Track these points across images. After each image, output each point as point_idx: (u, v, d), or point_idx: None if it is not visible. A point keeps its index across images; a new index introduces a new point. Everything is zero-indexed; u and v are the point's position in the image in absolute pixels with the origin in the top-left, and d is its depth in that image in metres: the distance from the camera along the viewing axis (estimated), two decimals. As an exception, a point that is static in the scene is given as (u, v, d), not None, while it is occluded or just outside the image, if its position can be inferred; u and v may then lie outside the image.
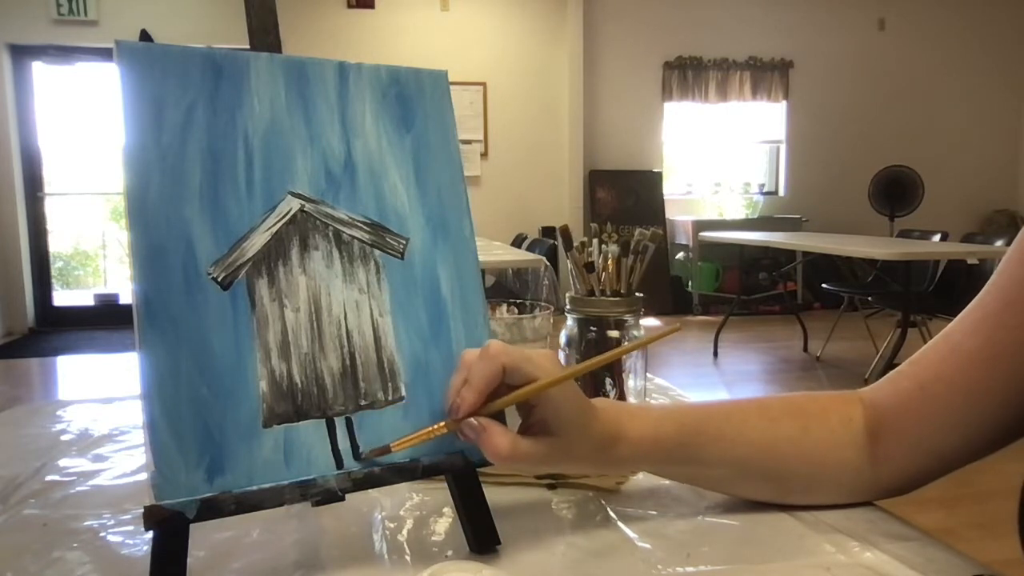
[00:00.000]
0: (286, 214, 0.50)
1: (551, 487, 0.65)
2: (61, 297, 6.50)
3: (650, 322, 5.88)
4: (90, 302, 6.40)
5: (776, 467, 0.57)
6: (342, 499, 0.48)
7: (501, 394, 0.48)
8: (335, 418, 0.49)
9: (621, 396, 0.78)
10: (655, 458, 0.56)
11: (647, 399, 0.86)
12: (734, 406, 0.59)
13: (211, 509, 0.44)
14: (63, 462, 0.73)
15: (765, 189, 7.11)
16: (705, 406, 0.59)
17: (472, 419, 0.48)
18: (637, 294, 0.79)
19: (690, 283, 6.56)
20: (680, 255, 6.68)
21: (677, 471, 0.59)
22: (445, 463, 0.52)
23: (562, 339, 0.78)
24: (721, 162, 7.07)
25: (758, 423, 0.58)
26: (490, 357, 0.48)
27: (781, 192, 7.08)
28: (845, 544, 0.53)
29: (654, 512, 0.59)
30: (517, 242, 5.27)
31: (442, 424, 0.50)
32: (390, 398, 0.51)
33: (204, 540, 0.54)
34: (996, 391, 0.51)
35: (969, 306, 0.54)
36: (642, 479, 0.67)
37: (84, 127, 6.22)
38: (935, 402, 0.53)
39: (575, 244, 0.79)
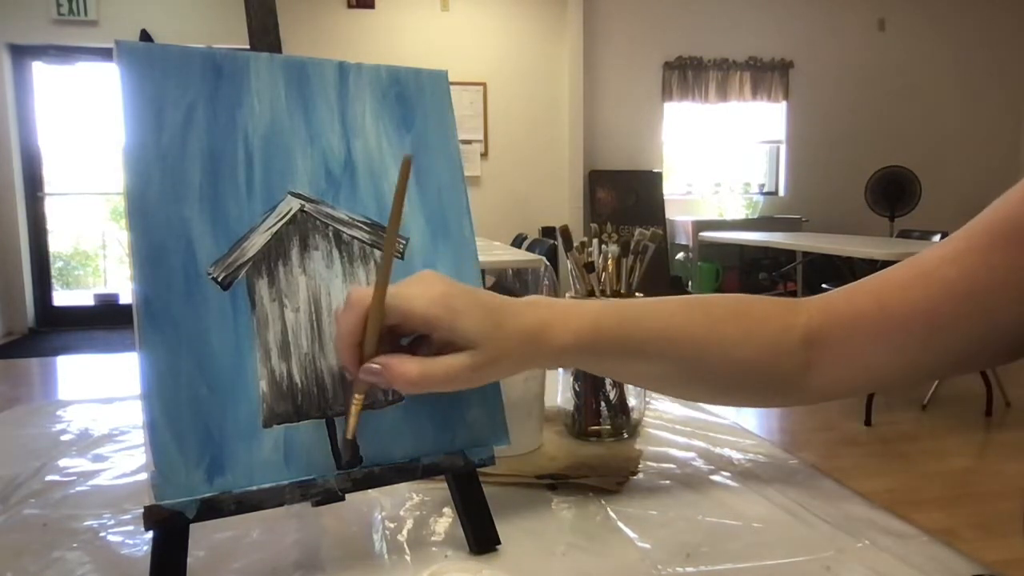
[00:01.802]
0: (286, 214, 0.50)
1: (551, 487, 0.64)
2: (61, 297, 6.49)
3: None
4: (90, 302, 6.39)
5: (714, 368, 0.56)
6: (342, 499, 0.48)
7: (395, 338, 0.47)
8: (335, 418, 0.49)
9: (622, 396, 0.78)
10: (596, 349, 0.53)
11: (647, 399, 0.86)
12: (678, 304, 0.57)
13: (211, 509, 0.44)
14: (63, 462, 0.73)
15: (765, 189, 7.11)
16: (648, 302, 0.57)
17: (368, 364, 0.46)
18: (637, 294, 0.79)
19: (690, 283, 6.56)
20: (680, 255, 6.69)
21: (618, 367, 0.57)
22: (445, 463, 0.52)
23: (562, 339, 0.78)
24: (721, 162, 7.06)
25: (702, 322, 0.55)
26: (350, 306, 0.46)
27: (781, 192, 7.07)
28: (845, 543, 0.53)
29: (654, 512, 0.59)
30: (517, 242, 5.27)
31: (357, 395, 0.47)
32: (390, 398, 0.51)
33: (204, 540, 0.54)
34: (964, 325, 0.49)
35: (948, 238, 0.52)
36: (642, 479, 0.67)
37: (84, 127, 6.21)
38: (892, 323, 0.51)
39: (575, 244, 0.79)
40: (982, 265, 0.49)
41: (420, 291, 0.47)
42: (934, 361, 0.52)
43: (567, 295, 0.78)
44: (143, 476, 0.69)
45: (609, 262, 0.78)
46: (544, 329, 0.50)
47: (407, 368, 0.46)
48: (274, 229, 0.49)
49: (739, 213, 6.94)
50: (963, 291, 0.49)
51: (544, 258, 3.50)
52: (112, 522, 0.59)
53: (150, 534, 0.43)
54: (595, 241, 0.79)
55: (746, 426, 0.82)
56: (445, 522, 0.58)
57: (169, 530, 0.44)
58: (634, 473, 0.67)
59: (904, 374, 0.53)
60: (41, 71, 5.97)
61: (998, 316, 0.48)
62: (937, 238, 4.48)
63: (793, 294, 6.41)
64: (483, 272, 0.74)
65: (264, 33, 0.53)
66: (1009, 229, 0.48)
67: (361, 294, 0.46)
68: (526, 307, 0.51)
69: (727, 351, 0.55)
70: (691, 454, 0.73)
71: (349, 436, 0.47)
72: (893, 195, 6.09)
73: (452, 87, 0.58)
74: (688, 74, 6.68)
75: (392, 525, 0.57)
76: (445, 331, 0.47)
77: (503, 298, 0.50)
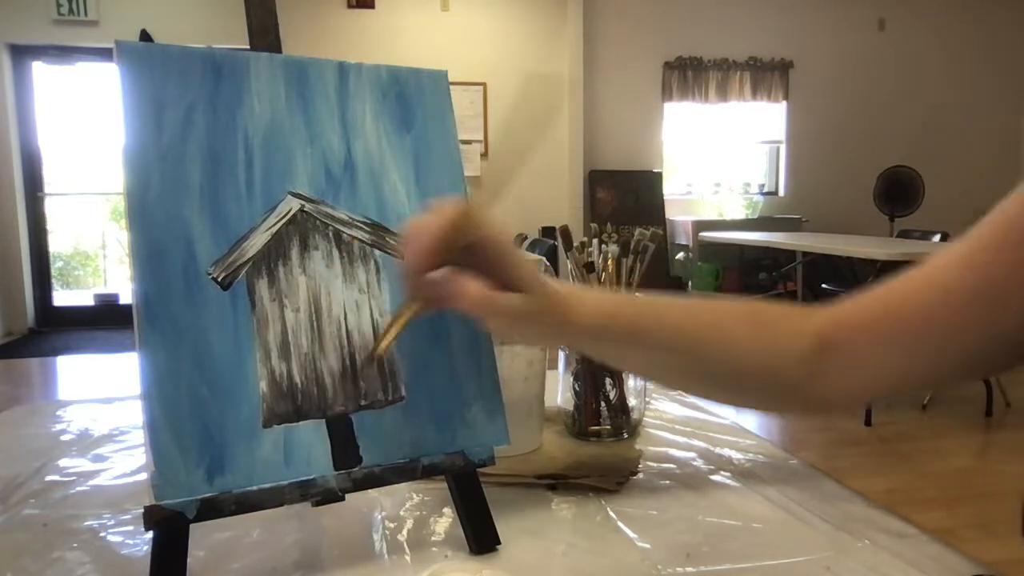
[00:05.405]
0: (286, 214, 0.50)
1: (551, 487, 0.64)
2: (61, 297, 6.49)
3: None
4: (90, 302, 6.39)
5: (724, 366, 0.56)
6: (342, 499, 0.48)
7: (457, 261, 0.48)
8: (336, 418, 0.49)
9: (622, 396, 0.78)
10: (612, 334, 0.54)
11: (647, 399, 0.86)
12: (693, 302, 0.58)
13: (211, 509, 0.44)
14: (63, 462, 0.73)
15: (765, 189, 7.11)
16: (665, 298, 0.58)
17: (442, 270, 0.46)
18: (637, 293, 0.79)
19: (690, 283, 6.56)
20: (680, 255, 6.68)
21: (632, 355, 0.57)
22: (445, 463, 0.52)
23: (562, 339, 0.78)
24: (721, 162, 7.06)
25: (711, 324, 0.56)
26: (441, 212, 0.46)
27: (781, 192, 7.07)
28: (845, 543, 0.53)
29: (654, 512, 0.59)
30: (517, 242, 5.26)
31: (409, 307, 0.47)
32: (390, 398, 0.51)
33: (204, 540, 0.54)
34: (971, 327, 0.49)
35: (956, 241, 0.51)
36: (642, 479, 0.67)
37: (84, 127, 6.21)
38: (899, 327, 0.52)
39: (575, 244, 0.79)
40: (992, 264, 0.49)
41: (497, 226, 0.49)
42: (944, 365, 0.52)
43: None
44: (143, 476, 0.69)
45: (609, 262, 0.78)
46: (568, 304, 0.52)
47: (473, 286, 0.46)
48: (274, 229, 0.49)
49: (739, 213, 6.94)
50: (968, 294, 0.49)
51: (544, 258, 3.50)
52: (112, 522, 0.59)
53: (150, 534, 0.43)
54: (595, 241, 0.79)
55: (746, 426, 0.82)
56: (445, 522, 0.58)
57: (169, 530, 0.44)
58: (634, 473, 0.67)
59: (913, 379, 0.53)
60: (41, 71, 5.97)
61: (1005, 319, 0.48)
62: (937, 238, 4.48)
63: (793, 294, 6.41)
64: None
65: (264, 33, 0.53)
66: (1016, 233, 0.48)
67: (460, 204, 0.46)
68: (555, 282, 0.52)
69: (736, 350, 0.56)
70: (691, 454, 0.73)
71: (382, 351, 0.47)
72: (896, 195, 6.10)
73: (452, 87, 0.58)
74: (688, 74, 6.68)
75: (392, 525, 0.57)
76: (513, 266, 0.48)
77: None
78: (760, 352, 0.56)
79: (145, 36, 0.50)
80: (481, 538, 0.53)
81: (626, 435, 0.78)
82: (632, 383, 0.78)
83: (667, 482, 0.66)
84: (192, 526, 0.44)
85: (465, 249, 0.47)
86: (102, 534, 0.57)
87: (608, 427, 0.77)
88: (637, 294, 0.57)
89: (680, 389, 0.61)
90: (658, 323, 0.55)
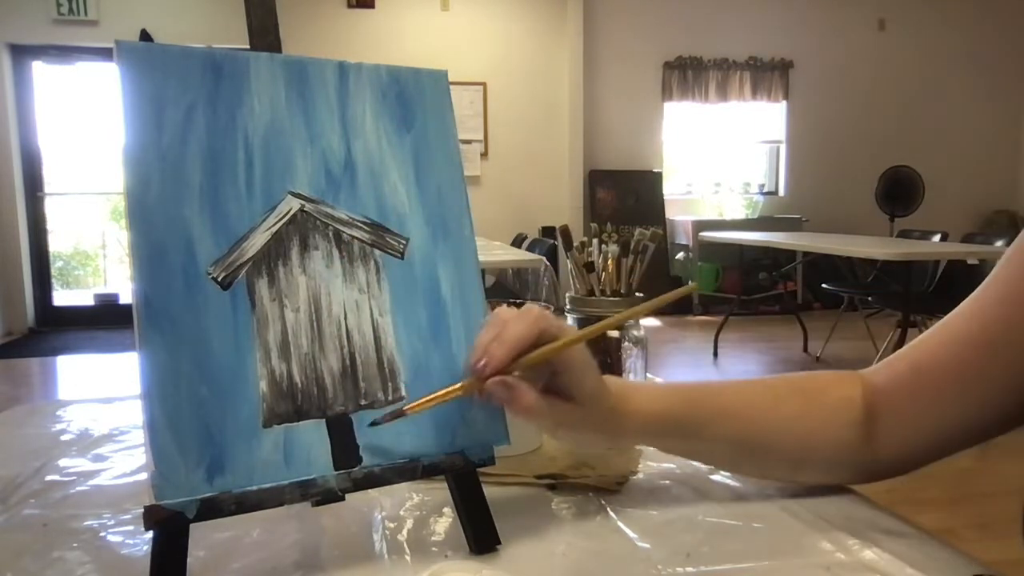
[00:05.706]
0: (286, 214, 0.50)
1: (551, 487, 0.64)
2: (61, 297, 6.50)
3: (649, 322, 5.88)
4: (90, 302, 6.40)
5: (776, 446, 0.58)
6: (342, 499, 0.48)
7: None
8: (335, 418, 0.49)
9: (621, 396, 0.77)
10: (662, 431, 0.57)
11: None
12: (739, 385, 0.60)
13: (211, 509, 0.44)
14: (63, 462, 0.73)
15: (765, 189, 7.11)
16: (711, 384, 0.60)
17: (506, 377, 0.48)
18: (637, 294, 0.79)
19: (690, 283, 6.56)
20: (680, 255, 6.69)
21: (681, 445, 0.60)
22: (445, 463, 0.52)
23: (562, 339, 0.78)
24: (721, 162, 7.07)
25: (761, 403, 0.58)
26: (531, 320, 0.48)
27: (781, 192, 7.08)
28: (845, 543, 0.53)
29: (654, 512, 0.59)
30: (517, 242, 5.27)
31: (459, 385, 0.50)
32: (390, 398, 0.51)
33: (204, 540, 0.54)
34: (990, 377, 0.52)
35: (970, 296, 0.55)
36: (642, 479, 0.67)
37: (84, 127, 6.22)
38: (927, 383, 0.55)
39: (575, 244, 0.79)
40: (996, 320, 0.52)
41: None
42: (977, 415, 0.54)
43: (567, 295, 0.78)
44: (143, 476, 0.69)
45: (609, 262, 0.78)
46: (622, 415, 0.55)
47: (528, 397, 0.49)
48: (274, 229, 0.49)
49: (739, 213, 6.95)
50: (983, 344, 0.52)
51: (544, 258, 3.50)
52: (112, 522, 0.59)
53: (150, 534, 0.43)
54: (595, 241, 0.79)
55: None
56: (445, 522, 0.58)
57: (169, 530, 0.44)
58: (634, 473, 0.67)
59: (958, 431, 0.55)
60: (41, 71, 5.98)
61: (1020, 366, 0.50)
62: (937, 238, 4.48)
63: (793, 294, 6.41)
64: (483, 272, 0.74)
65: (264, 33, 0.53)
66: (1017, 284, 0.51)
67: (542, 315, 0.49)
68: (612, 385, 0.55)
69: (785, 428, 0.58)
70: (691, 454, 0.73)
71: (408, 411, 0.49)
72: (896, 195, 6.10)
73: (452, 87, 0.58)
74: (688, 74, 6.68)
75: (392, 525, 0.57)
76: (576, 377, 0.50)
77: None
78: (813, 423, 0.58)
79: (145, 36, 0.50)
80: (481, 538, 0.53)
81: (626, 435, 0.78)
82: (632, 380, 0.78)
83: (667, 482, 0.66)
84: (192, 526, 0.44)
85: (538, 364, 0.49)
86: (102, 534, 0.57)
87: (608, 427, 0.77)
88: (686, 382, 0.60)
89: (739, 472, 0.64)
90: (707, 412, 0.57)
